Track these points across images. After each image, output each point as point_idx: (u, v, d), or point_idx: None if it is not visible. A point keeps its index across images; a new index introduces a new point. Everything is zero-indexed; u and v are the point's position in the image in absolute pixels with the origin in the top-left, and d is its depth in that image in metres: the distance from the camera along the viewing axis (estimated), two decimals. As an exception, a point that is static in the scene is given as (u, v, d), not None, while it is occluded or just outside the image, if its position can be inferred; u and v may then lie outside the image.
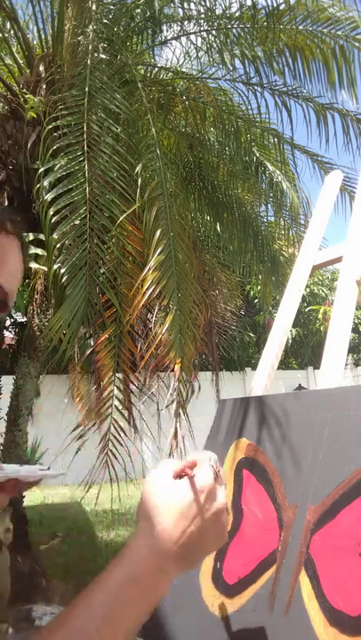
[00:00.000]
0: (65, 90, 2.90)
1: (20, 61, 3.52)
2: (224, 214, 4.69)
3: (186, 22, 3.75)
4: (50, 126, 2.60)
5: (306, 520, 0.76)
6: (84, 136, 2.61)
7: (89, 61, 2.80)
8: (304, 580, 0.71)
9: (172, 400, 2.60)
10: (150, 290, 2.54)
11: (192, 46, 3.94)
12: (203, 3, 3.60)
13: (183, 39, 3.89)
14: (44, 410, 6.56)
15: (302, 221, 4.75)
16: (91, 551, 4.36)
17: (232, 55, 3.74)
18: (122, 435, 2.87)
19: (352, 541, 0.69)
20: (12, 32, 3.64)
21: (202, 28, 3.73)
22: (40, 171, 2.55)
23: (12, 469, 0.77)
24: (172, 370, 2.58)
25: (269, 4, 3.40)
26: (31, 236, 3.72)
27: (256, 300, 10.32)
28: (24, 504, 3.80)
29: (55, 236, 2.46)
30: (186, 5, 3.66)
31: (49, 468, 0.81)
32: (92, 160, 2.61)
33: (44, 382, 5.17)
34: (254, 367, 2.39)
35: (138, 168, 2.78)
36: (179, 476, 0.56)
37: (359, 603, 0.64)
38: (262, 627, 0.73)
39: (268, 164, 4.43)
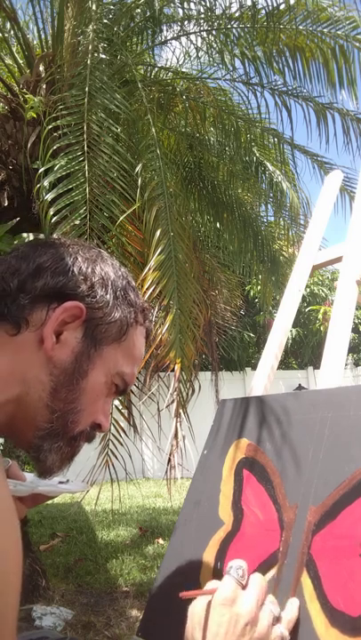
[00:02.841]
0: (65, 90, 2.90)
1: (20, 61, 3.52)
2: (224, 214, 4.69)
3: (186, 22, 3.75)
4: (50, 126, 2.60)
5: (307, 520, 0.76)
6: (84, 136, 2.61)
7: (89, 61, 2.80)
8: (306, 581, 0.71)
9: (172, 400, 2.60)
10: (150, 290, 2.54)
11: (192, 46, 3.94)
12: (203, 3, 3.60)
13: (183, 39, 3.90)
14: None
15: (302, 221, 4.75)
16: (91, 551, 4.36)
17: (232, 55, 3.74)
18: (122, 435, 2.87)
19: (353, 542, 0.69)
20: (11, 32, 3.64)
21: (202, 28, 3.73)
22: (40, 171, 2.55)
23: (32, 479, 0.77)
24: (172, 370, 2.58)
25: (269, 3, 3.40)
26: (31, 236, 3.71)
27: (256, 300, 10.32)
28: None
29: (55, 236, 2.46)
30: (186, 5, 3.66)
31: (68, 481, 0.80)
32: (92, 160, 2.61)
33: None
34: (254, 367, 2.40)
35: (138, 168, 2.78)
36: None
37: (360, 603, 0.64)
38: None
39: (268, 164, 4.43)
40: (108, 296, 0.70)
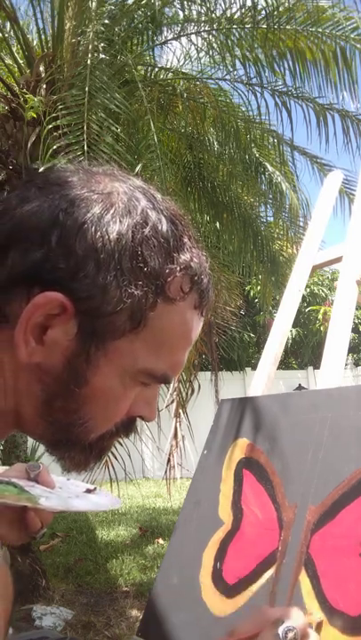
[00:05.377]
0: (65, 90, 2.90)
1: (20, 61, 3.52)
2: (224, 214, 4.70)
3: (186, 23, 3.75)
4: (50, 126, 2.60)
5: (306, 520, 0.76)
6: (84, 136, 2.61)
7: (89, 61, 2.80)
8: (304, 579, 0.71)
9: (171, 400, 2.61)
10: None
11: (192, 47, 3.95)
12: (203, 3, 3.61)
13: (184, 40, 3.90)
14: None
15: (301, 222, 4.76)
16: (91, 551, 4.36)
17: (233, 56, 3.75)
18: (122, 435, 2.86)
19: (352, 541, 0.69)
20: (11, 32, 3.64)
21: (202, 29, 3.74)
22: (40, 171, 2.55)
23: (60, 483, 0.74)
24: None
25: (269, 4, 3.40)
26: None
27: (256, 300, 10.32)
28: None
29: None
30: (186, 6, 3.67)
31: (96, 489, 0.76)
32: (91, 160, 2.61)
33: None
34: (254, 367, 2.41)
35: (138, 168, 2.78)
36: None
37: (359, 602, 0.64)
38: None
39: (268, 165, 4.44)
40: (103, 274, 0.48)
